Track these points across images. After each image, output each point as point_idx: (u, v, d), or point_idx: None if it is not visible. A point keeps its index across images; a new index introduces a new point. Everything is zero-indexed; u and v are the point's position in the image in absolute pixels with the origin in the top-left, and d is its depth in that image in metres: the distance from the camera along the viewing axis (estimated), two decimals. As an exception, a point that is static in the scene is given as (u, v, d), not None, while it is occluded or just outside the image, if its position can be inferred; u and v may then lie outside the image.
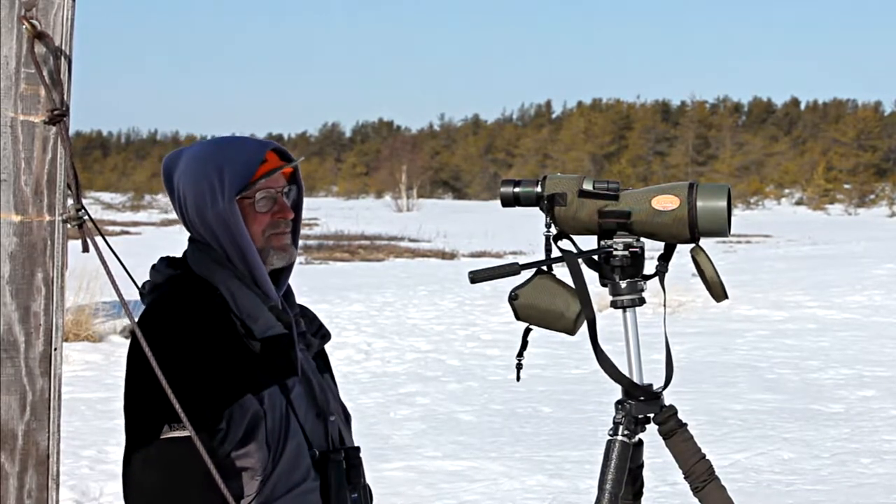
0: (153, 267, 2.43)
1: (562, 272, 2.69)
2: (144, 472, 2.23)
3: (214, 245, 2.37)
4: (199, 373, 2.23)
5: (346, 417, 2.55)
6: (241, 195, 2.35)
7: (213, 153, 2.37)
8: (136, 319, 2.33)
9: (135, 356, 2.31)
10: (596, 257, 2.72)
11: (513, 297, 2.68)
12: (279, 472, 2.32)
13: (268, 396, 2.31)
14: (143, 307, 2.43)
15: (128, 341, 11.46)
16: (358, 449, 2.48)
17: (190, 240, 2.43)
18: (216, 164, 2.34)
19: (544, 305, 2.66)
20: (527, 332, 2.70)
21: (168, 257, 2.45)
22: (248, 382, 2.29)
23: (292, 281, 2.52)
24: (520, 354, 2.71)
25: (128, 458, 2.26)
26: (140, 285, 2.43)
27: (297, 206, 2.48)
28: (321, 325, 2.57)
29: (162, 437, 2.21)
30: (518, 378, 2.76)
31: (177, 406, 1.89)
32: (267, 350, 2.34)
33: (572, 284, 2.66)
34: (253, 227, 2.38)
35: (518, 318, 2.70)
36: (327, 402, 2.48)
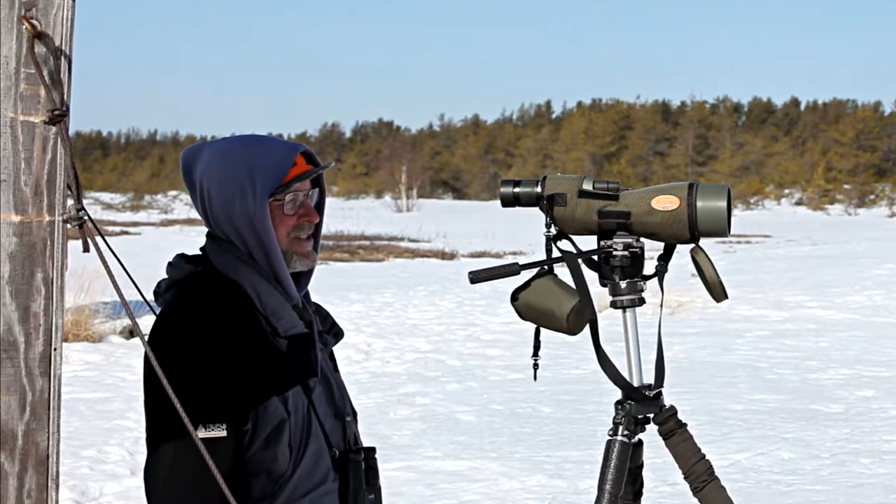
0: (170, 263, 2.42)
1: (563, 272, 2.70)
2: (174, 471, 2.21)
3: (238, 243, 2.36)
4: (228, 372, 2.24)
5: (355, 417, 2.55)
6: (272, 197, 2.35)
7: (243, 152, 2.36)
8: (157, 316, 2.34)
9: (160, 354, 2.26)
10: (596, 257, 2.72)
11: (514, 299, 2.69)
12: (300, 473, 2.32)
13: (291, 397, 2.32)
14: (156, 305, 2.42)
15: (128, 342, 11.45)
16: (374, 450, 2.48)
17: (209, 236, 2.42)
18: (247, 164, 2.34)
19: (540, 306, 2.66)
20: (537, 331, 2.73)
21: (184, 254, 2.44)
22: (273, 382, 2.29)
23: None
24: (535, 354, 2.72)
25: (155, 457, 2.24)
26: (157, 283, 2.42)
27: (319, 210, 2.49)
28: (334, 323, 2.58)
29: (195, 436, 2.20)
30: (535, 377, 2.77)
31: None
32: (291, 349, 2.35)
33: (572, 285, 2.67)
34: (279, 229, 2.38)
35: (522, 318, 2.72)
36: (344, 402, 2.49)
